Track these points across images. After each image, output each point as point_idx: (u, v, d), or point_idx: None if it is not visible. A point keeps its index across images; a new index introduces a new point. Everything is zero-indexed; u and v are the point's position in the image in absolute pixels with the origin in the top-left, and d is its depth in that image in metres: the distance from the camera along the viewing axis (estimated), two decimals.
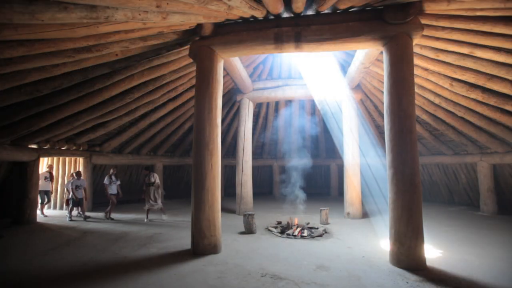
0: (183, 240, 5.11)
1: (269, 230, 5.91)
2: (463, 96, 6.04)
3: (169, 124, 9.00)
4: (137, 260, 4.09)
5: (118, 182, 7.49)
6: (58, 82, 5.02)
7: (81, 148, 7.77)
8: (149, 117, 7.94)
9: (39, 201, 7.15)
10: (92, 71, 5.10)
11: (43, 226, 6.25)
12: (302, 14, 4.50)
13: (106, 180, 7.26)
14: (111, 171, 7.45)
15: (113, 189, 7.30)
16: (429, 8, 3.93)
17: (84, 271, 3.69)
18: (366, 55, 5.53)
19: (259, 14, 4.30)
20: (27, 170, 6.60)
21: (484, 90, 5.56)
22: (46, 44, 3.93)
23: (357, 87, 7.80)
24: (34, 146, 6.70)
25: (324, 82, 7.82)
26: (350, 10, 4.37)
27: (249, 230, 5.68)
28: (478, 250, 4.59)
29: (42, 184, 7.24)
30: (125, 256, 4.26)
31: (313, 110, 11.15)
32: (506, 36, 4.09)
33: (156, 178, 7.28)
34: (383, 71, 4.36)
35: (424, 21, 4.18)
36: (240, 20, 4.67)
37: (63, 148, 7.38)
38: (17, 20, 3.20)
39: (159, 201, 7.21)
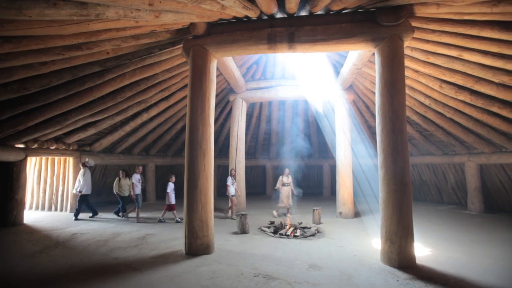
0: (176, 240, 5.07)
1: (262, 230, 5.91)
2: (452, 97, 6.19)
3: (161, 123, 8.91)
4: (128, 261, 4.03)
5: (236, 184, 7.52)
6: (46, 80, 4.90)
7: (70, 148, 7.61)
8: (141, 116, 7.84)
9: (136, 206, 6.84)
10: (82, 69, 5.00)
11: (31, 228, 6.09)
12: (295, 15, 4.53)
13: (228, 181, 7.25)
14: (233, 171, 7.49)
15: (232, 190, 7.25)
16: (420, 11, 4.01)
17: (73, 273, 3.61)
18: (359, 56, 5.60)
19: (253, 14, 4.30)
20: (14, 170, 6.42)
21: (472, 92, 5.71)
22: (34, 41, 3.84)
23: (350, 88, 7.88)
24: (21, 146, 6.52)
25: (317, 82, 7.88)
26: (343, 11, 4.41)
27: (242, 230, 5.67)
28: (466, 248, 4.71)
29: (138, 188, 7.01)
30: (116, 257, 4.20)
31: (306, 110, 11.23)
32: (492, 40, 4.21)
33: (290, 178, 7.73)
34: (375, 72, 4.42)
35: (414, 23, 4.27)
36: (234, 20, 4.66)
37: (51, 148, 7.21)
38: (3, 15, 3.11)
39: (291, 201, 7.62)
